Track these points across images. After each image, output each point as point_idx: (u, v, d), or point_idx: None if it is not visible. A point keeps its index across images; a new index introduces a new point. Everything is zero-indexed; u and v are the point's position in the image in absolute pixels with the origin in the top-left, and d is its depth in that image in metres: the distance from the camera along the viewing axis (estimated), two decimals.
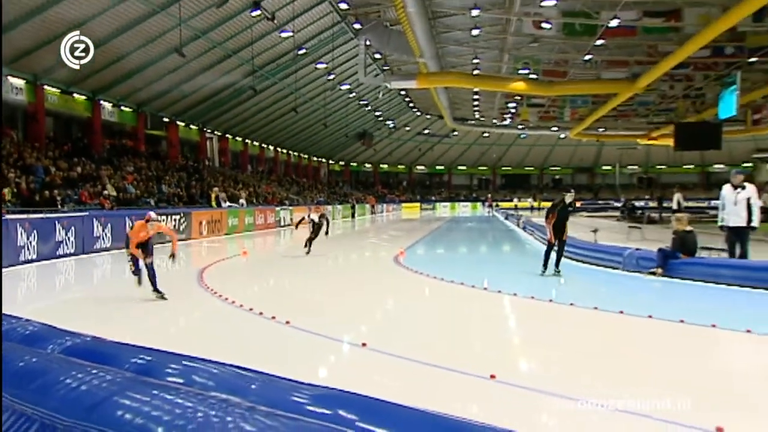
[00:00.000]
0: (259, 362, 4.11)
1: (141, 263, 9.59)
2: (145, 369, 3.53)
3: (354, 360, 6.77)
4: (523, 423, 4.40)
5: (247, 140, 47.15)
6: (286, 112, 42.47)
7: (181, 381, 3.36)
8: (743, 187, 12.21)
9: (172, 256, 10.12)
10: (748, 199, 12.09)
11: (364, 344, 6.81)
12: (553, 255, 12.83)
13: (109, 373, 3.14)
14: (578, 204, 13.25)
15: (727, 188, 12.46)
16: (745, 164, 65.04)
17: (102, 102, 29.78)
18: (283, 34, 31.07)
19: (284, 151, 55.24)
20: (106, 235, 18.19)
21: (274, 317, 8.21)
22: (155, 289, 9.46)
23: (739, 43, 24.81)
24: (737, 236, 12.29)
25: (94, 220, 18.00)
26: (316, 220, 17.45)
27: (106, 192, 22.94)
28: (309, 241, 17.22)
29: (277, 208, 35.46)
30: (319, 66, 37.19)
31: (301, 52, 34.23)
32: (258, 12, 27.40)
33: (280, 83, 38.20)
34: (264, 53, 32.90)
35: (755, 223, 12.25)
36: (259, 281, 13.59)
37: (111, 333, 6.48)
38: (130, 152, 31.09)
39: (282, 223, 34.53)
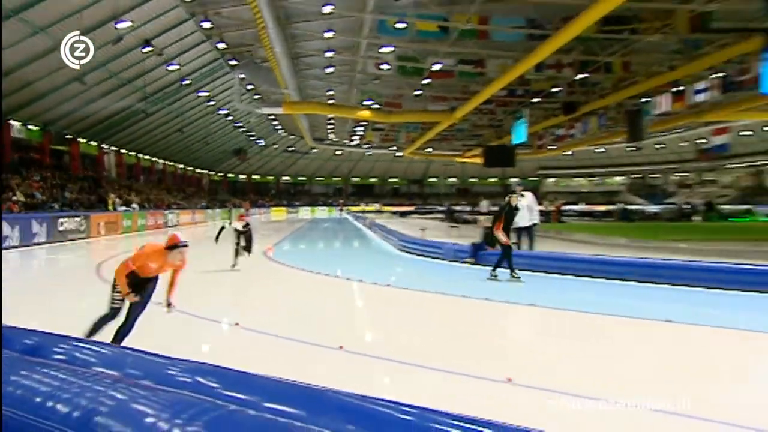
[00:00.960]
0: (145, 342, 3.90)
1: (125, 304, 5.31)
2: (32, 349, 3.24)
3: (229, 338, 6.58)
4: (366, 385, 4.45)
5: (139, 155, 44.61)
6: (173, 132, 40.71)
7: (64, 359, 3.11)
8: (523, 195, 12.98)
9: (169, 305, 5.54)
10: (529, 205, 12.96)
11: (237, 324, 6.64)
12: (491, 258, 11.19)
13: None
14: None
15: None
16: (533, 178, 69.55)
17: (12, 121, 27.38)
18: (171, 67, 29.63)
19: (172, 163, 52.79)
20: (14, 235, 17.01)
21: (159, 303, 7.79)
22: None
23: (526, 87, 26.55)
24: (526, 233, 13.08)
25: (4, 222, 16.58)
26: (240, 228, 12.12)
27: (15, 198, 21.08)
28: (235, 252, 12.17)
29: (166, 212, 34.15)
30: (201, 94, 35.86)
31: (185, 82, 32.80)
32: (149, 48, 26.06)
33: (167, 107, 36.40)
34: (154, 82, 31.24)
35: (536, 220, 13.23)
36: None
37: (7, 319, 5.93)
38: (36, 164, 28.86)
39: (169, 224, 33.12)
